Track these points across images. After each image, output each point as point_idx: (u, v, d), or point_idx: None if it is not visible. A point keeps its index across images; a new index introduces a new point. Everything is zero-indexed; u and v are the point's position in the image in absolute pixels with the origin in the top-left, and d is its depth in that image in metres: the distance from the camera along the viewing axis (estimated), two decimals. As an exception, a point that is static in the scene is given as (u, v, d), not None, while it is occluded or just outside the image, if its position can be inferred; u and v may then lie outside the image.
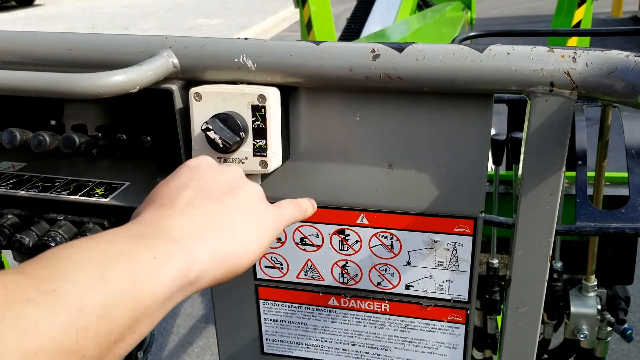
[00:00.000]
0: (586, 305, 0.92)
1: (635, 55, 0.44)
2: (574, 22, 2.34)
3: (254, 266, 0.67)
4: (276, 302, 0.68)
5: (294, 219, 0.50)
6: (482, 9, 8.96)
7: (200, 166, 0.46)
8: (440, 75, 0.49)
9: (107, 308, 0.32)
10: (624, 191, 1.02)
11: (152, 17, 10.06)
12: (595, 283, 0.91)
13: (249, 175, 0.58)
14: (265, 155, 0.54)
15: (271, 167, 0.55)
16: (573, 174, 0.89)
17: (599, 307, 0.92)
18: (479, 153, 0.55)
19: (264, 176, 0.59)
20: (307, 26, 2.53)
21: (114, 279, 0.33)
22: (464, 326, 0.64)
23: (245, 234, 0.42)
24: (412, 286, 0.63)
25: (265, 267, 0.66)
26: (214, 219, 0.41)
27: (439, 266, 0.61)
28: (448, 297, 0.63)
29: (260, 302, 0.69)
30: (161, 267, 0.35)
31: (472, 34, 0.83)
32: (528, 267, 0.57)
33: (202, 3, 11.57)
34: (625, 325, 0.97)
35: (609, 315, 0.95)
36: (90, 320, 0.31)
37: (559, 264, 0.91)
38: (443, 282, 0.62)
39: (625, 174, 0.80)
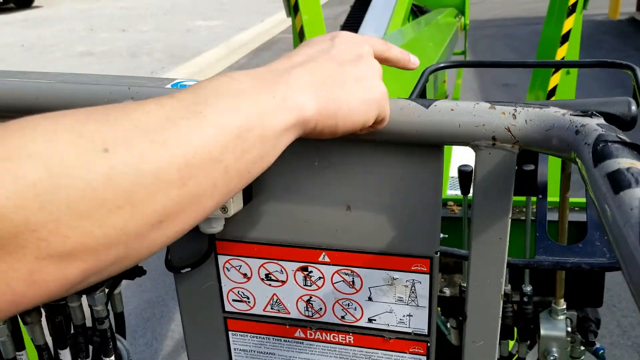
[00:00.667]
0: (556, 327, 0.94)
1: (570, 114, 0.46)
2: (564, 31, 2.36)
3: (222, 299, 0.69)
4: (245, 333, 0.70)
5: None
6: (480, 11, 8.97)
7: (341, 36, 0.51)
8: (391, 128, 0.51)
9: (243, 130, 0.38)
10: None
11: (150, 19, 10.08)
12: (565, 307, 0.93)
13: (210, 219, 0.60)
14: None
15: (231, 211, 0.57)
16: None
17: (569, 329, 0.94)
18: (431, 197, 0.57)
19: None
20: (299, 35, 2.53)
21: (245, 109, 0.39)
22: (425, 357, 0.66)
23: (352, 103, 0.46)
24: (375, 320, 0.65)
25: (233, 300, 0.68)
26: (329, 79, 0.46)
27: (399, 301, 0.63)
28: (409, 330, 0.65)
29: (230, 333, 0.71)
30: (279, 106, 0.41)
31: (442, 64, 0.85)
32: (482, 305, 0.60)
33: (200, 5, 11.58)
34: (597, 345, 0.99)
35: (580, 336, 0.97)
36: (230, 137, 0.37)
37: (528, 288, 0.93)
38: (404, 316, 0.64)
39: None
